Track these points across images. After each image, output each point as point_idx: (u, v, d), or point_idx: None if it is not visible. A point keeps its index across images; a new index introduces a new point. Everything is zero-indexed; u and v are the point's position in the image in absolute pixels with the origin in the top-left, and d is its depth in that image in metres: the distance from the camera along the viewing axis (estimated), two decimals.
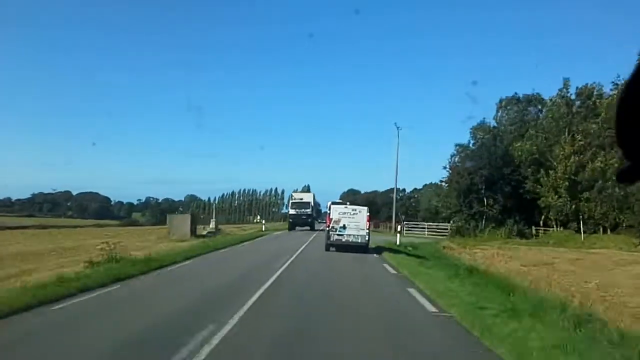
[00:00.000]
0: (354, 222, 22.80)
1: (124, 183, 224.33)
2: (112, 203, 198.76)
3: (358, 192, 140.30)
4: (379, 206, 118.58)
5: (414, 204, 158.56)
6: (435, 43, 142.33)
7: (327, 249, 22.97)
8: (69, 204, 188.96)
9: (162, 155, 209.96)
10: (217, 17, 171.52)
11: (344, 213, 23.09)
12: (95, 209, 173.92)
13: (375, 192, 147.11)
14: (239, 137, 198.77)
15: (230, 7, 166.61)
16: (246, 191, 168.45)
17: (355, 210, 23.54)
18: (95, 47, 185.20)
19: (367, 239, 22.90)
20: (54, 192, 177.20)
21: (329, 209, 24.60)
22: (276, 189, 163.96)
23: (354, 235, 22.70)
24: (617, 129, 1.05)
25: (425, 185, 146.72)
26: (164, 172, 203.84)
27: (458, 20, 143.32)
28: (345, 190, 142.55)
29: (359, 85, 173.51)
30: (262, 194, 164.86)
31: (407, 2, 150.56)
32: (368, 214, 23.38)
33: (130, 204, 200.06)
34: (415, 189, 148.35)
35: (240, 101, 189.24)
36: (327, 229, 23.28)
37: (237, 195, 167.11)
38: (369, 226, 23.52)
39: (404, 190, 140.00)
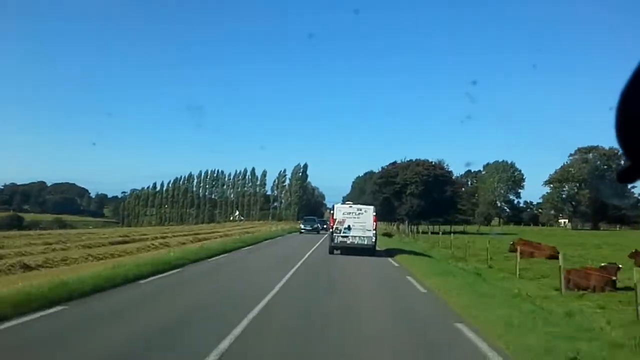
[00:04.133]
0: (359, 222, 21.85)
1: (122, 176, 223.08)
2: (91, 195, 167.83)
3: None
4: (446, 185, 68.42)
5: (465, 191, 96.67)
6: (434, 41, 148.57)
7: (331, 252, 22.06)
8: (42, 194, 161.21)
9: (154, 147, 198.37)
10: (217, 17, 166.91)
11: (349, 213, 22.11)
12: (57, 202, 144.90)
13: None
14: (237, 131, 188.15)
15: (231, 7, 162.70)
16: (208, 174, 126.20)
17: (361, 210, 22.47)
18: (93, 43, 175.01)
19: (373, 240, 21.97)
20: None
21: (333, 209, 23.53)
22: (253, 169, 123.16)
23: (359, 236, 21.81)
24: (618, 128, 1.06)
25: (489, 164, 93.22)
26: (155, 163, 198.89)
27: (457, 19, 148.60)
28: (361, 174, 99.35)
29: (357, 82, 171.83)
30: (232, 177, 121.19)
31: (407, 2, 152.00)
32: (374, 213, 22.42)
33: (105, 197, 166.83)
34: (469, 171, 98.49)
35: (239, 98, 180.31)
36: (331, 230, 22.53)
37: (195, 182, 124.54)
38: (376, 226, 22.38)
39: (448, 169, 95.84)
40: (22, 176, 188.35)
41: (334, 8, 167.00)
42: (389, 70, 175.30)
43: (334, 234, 21.89)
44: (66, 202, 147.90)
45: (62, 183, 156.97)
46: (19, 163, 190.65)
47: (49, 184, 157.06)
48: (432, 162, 62.60)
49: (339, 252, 21.80)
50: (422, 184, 58.45)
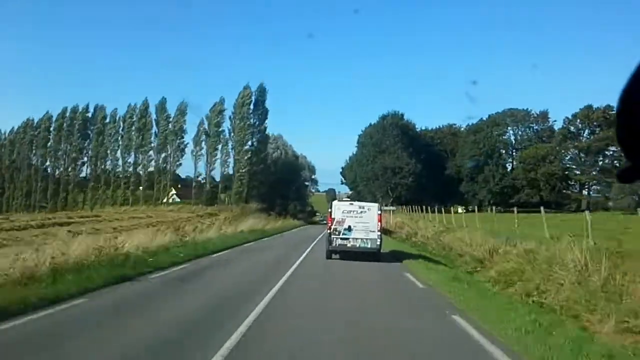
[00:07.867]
0: (361, 222, 19.81)
1: None
2: None
3: (409, 121, 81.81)
4: None
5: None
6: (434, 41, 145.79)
7: (329, 257, 20.18)
8: None
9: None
10: (217, 16, 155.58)
11: (349, 212, 20.16)
12: None
13: (450, 126, 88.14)
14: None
15: (231, 6, 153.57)
16: (76, 114, 71.35)
17: (363, 208, 20.37)
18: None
19: (378, 243, 19.84)
20: None
21: (331, 207, 21.11)
22: (163, 101, 69.00)
23: (361, 239, 19.75)
24: (618, 128, 1.07)
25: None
26: None
27: (457, 19, 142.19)
28: (379, 117, 79.31)
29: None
30: (118, 119, 71.03)
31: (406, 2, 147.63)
32: (379, 212, 20.31)
33: None
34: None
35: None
36: (329, 231, 20.32)
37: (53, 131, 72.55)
38: (381, 227, 20.24)
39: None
40: None
41: (334, 8, 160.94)
42: (388, 69, 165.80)
43: (332, 236, 19.91)
44: None
45: None
46: None
47: None
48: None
49: (337, 256, 20.01)
50: None
